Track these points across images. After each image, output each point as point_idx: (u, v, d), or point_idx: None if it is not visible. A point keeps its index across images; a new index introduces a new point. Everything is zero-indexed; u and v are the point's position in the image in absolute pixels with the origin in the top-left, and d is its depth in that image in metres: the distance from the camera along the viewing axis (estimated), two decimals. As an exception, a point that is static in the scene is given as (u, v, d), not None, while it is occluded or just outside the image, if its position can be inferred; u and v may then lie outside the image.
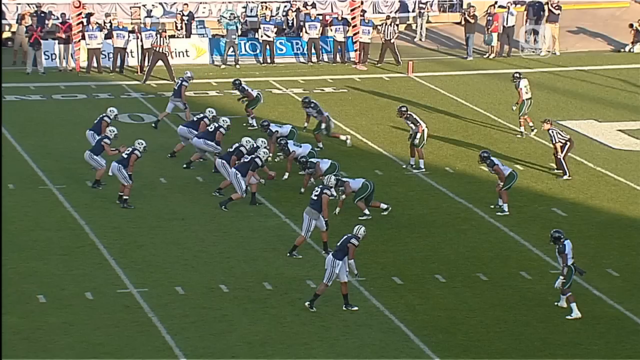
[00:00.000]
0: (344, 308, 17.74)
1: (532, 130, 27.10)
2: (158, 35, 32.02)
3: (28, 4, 35.23)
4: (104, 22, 33.69)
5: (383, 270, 19.42)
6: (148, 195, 22.80)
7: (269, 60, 34.76)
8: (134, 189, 22.97)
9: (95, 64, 32.96)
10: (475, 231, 21.06)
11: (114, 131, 23.11)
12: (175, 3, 36.58)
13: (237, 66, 34.21)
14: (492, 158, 22.14)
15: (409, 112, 24.93)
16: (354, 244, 17.69)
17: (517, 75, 27.21)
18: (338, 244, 17.85)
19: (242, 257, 19.81)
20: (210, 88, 31.26)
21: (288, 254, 19.77)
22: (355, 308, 17.78)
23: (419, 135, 24.51)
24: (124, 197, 21.96)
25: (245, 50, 35.21)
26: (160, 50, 31.87)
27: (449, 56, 36.28)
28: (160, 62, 31.96)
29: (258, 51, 35.15)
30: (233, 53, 34.33)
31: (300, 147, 23.73)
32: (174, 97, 27.19)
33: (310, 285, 18.65)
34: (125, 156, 22.01)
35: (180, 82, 27.28)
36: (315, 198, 19.78)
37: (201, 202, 22.43)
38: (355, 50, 34.97)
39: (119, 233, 20.72)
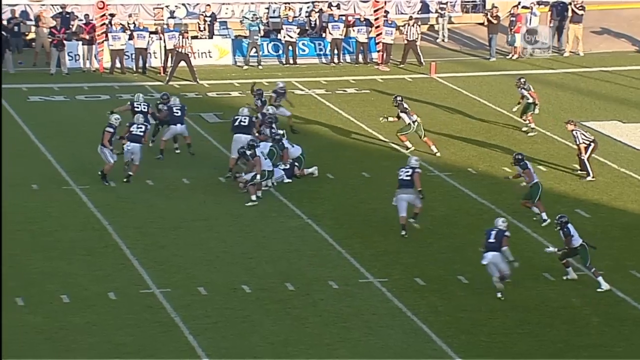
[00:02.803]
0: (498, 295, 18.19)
1: (526, 129, 27.25)
2: (180, 36, 32.10)
3: (52, 5, 35.42)
4: (128, 24, 33.82)
5: (405, 271, 19.39)
6: (171, 195, 22.86)
7: (291, 61, 34.78)
8: (157, 189, 23.06)
9: (118, 65, 33.09)
10: (498, 232, 20.98)
11: (118, 119, 23.20)
12: (198, 4, 36.67)
13: (260, 67, 34.24)
14: (527, 162, 22.04)
15: (401, 102, 25.73)
16: (508, 236, 18.43)
17: (523, 80, 27.28)
18: (491, 240, 18.26)
19: (264, 257, 19.83)
20: (233, 89, 31.30)
21: (403, 233, 20.47)
22: (499, 295, 18.12)
23: (412, 124, 25.38)
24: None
25: (268, 51, 35.24)
26: (183, 51, 31.95)
27: (472, 57, 36.19)
28: (182, 63, 32.04)
29: (280, 52, 35.18)
30: (256, 54, 34.37)
31: (293, 147, 23.81)
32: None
33: (332, 286, 18.64)
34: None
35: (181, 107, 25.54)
36: (408, 178, 20.74)
37: (224, 203, 22.47)
38: (378, 51, 34.95)
39: (142, 233, 20.78)
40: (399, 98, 26.16)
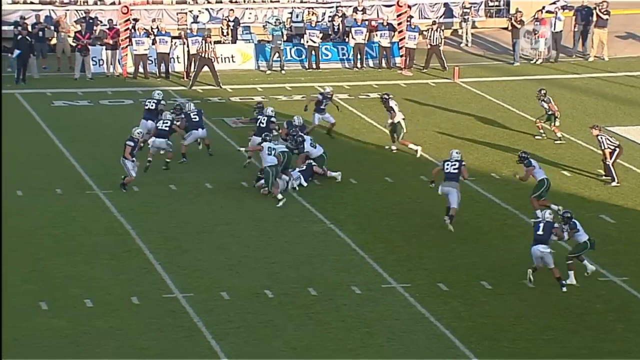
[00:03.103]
0: (563, 290, 18.51)
1: (539, 136, 27.14)
2: (203, 41, 32.17)
3: (76, 10, 35.59)
4: (151, 28, 33.91)
5: (428, 276, 19.36)
6: (193, 200, 22.91)
7: (314, 66, 34.81)
8: (180, 193, 23.13)
9: (142, 70, 33.20)
10: (522, 238, 20.90)
11: (141, 133, 23.24)
12: (221, 9, 36.77)
13: (283, 72, 34.28)
14: (531, 159, 22.05)
15: (388, 100, 25.85)
16: (558, 226, 18.81)
17: (544, 92, 27.12)
18: (539, 232, 18.56)
19: (287, 262, 19.84)
20: (256, 93, 31.35)
21: (449, 221, 20.99)
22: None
23: (395, 123, 25.62)
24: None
25: (291, 56, 35.29)
26: (206, 56, 32.03)
27: (496, 62, 36.11)
28: (206, 68, 32.12)
29: (303, 57, 35.22)
30: (278, 59, 34.42)
31: (316, 147, 23.88)
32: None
33: (355, 291, 18.63)
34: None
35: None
36: (455, 171, 21.34)
37: (246, 207, 22.50)
38: (401, 56, 34.92)
39: (165, 238, 20.84)
40: (385, 96, 26.08)
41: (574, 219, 19.10)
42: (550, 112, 27.03)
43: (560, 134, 27.11)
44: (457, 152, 21.89)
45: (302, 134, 24.26)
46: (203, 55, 32.03)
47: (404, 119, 25.95)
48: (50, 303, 17.90)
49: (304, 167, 23.67)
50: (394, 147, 25.95)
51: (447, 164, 21.65)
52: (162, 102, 26.17)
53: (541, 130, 27.34)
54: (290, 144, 23.87)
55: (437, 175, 21.84)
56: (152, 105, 25.99)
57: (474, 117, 29.42)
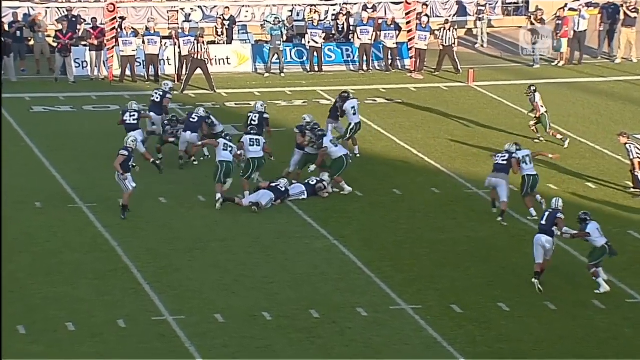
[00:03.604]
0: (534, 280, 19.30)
1: (565, 140, 27.46)
2: (195, 41, 32.25)
3: (57, 8, 35.70)
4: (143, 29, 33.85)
5: (440, 297, 19.38)
6: (185, 214, 22.95)
7: (316, 69, 34.89)
8: (170, 207, 23.17)
9: (129, 73, 33.30)
10: (543, 255, 20.94)
11: (135, 141, 23.22)
12: (215, 7, 36.87)
13: (282, 75, 34.37)
14: (518, 153, 22.85)
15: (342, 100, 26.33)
16: (562, 217, 19.63)
17: (533, 88, 27.64)
18: (543, 222, 19.57)
19: (286, 281, 19.87)
20: (253, 98, 31.38)
21: (500, 219, 22.38)
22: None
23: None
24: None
25: (291, 58, 35.40)
26: (199, 57, 32.12)
27: (514, 64, 36.18)
28: (199, 70, 32.21)
29: (305, 58, 35.31)
30: (277, 60, 34.51)
31: (336, 147, 24.05)
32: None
33: (361, 313, 18.65)
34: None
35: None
36: (504, 163, 22.57)
37: (242, 222, 22.54)
38: (411, 58, 34.98)
39: (154, 255, 20.88)
40: (344, 94, 26.52)
41: (589, 221, 19.43)
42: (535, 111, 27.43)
43: (539, 134, 27.52)
44: (510, 145, 22.99)
45: (322, 129, 24.73)
46: (195, 56, 32.14)
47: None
48: (28, 327, 17.92)
49: (314, 182, 23.73)
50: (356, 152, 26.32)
51: (497, 156, 22.89)
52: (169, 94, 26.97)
53: (559, 136, 27.49)
54: (312, 148, 24.12)
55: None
56: (157, 98, 26.68)
57: (489, 123, 29.45)
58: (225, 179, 23.38)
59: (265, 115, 25.53)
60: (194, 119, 25.52)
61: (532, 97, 27.57)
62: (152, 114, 26.66)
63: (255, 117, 25.33)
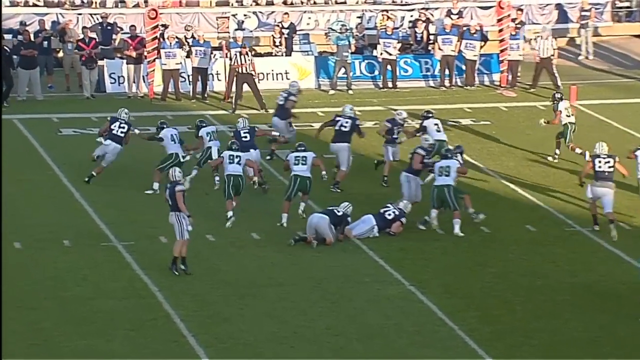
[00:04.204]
0: None
1: (585, 155, 27.65)
2: (238, 53, 32.34)
3: (90, 15, 36.10)
4: (185, 38, 34.13)
5: (536, 353, 19.28)
6: (236, 254, 23.09)
7: (390, 84, 34.99)
8: (219, 246, 23.33)
9: (172, 89, 33.57)
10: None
11: (188, 180, 23.80)
12: (272, 12, 37.09)
13: (350, 92, 34.51)
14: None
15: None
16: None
17: (558, 96, 28.29)
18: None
19: (354, 334, 19.90)
20: (316, 119, 31.52)
21: (613, 226, 23.14)
22: None
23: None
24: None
25: (360, 72, 35.55)
26: (243, 71, 32.20)
27: (625, 79, 35.99)
28: (247, 87, 32.34)
29: (376, 73, 35.44)
30: (345, 75, 34.65)
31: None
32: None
33: (441, 372, 18.63)
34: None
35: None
36: (611, 170, 22.99)
37: (303, 264, 22.63)
38: (502, 72, 34.95)
39: (200, 302, 21.00)
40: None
41: None
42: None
43: (557, 152, 28.15)
44: (601, 145, 23.12)
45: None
46: (240, 70, 32.22)
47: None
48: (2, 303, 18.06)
49: (396, 213, 23.87)
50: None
51: (599, 161, 22.75)
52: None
53: (578, 150, 27.90)
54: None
55: (587, 175, 23.02)
56: (281, 100, 28.33)
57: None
58: (235, 195, 24.06)
59: (358, 122, 26.02)
60: (245, 137, 25.76)
61: (555, 105, 28.13)
62: (275, 118, 28.09)
63: (347, 122, 25.76)
